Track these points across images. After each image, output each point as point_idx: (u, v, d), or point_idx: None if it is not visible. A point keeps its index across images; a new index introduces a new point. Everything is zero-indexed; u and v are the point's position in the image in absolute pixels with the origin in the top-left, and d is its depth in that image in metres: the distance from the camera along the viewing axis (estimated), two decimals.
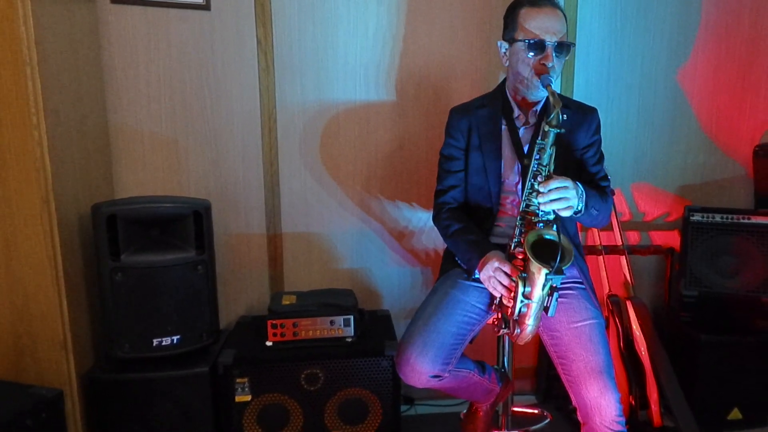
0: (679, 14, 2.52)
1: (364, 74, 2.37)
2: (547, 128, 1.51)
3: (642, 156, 2.61)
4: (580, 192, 1.56)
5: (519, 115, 1.78)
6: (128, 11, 2.16)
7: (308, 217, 2.44)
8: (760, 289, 2.35)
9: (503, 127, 1.78)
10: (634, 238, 2.68)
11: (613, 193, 1.92)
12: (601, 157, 1.83)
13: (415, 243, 2.53)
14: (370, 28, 2.34)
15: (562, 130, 1.52)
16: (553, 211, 1.54)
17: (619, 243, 2.40)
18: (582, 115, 1.79)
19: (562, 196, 1.50)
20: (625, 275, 2.39)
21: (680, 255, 2.49)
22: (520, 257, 1.60)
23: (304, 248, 2.46)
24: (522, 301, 1.54)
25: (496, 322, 1.67)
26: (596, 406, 1.56)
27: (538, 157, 1.55)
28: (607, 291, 2.34)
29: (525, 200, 1.60)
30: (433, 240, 2.53)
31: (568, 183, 1.52)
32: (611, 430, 1.55)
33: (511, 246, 1.64)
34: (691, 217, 2.44)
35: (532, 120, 1.77)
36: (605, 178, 1.81)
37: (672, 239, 2.66)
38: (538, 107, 1.76)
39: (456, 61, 2.41)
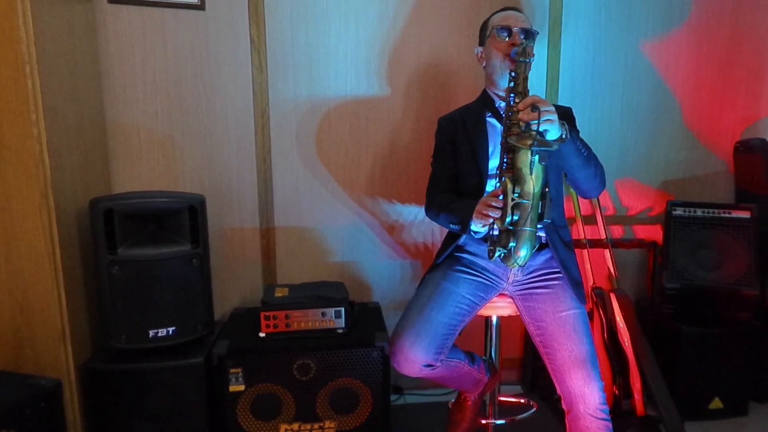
0: (661, 13, 2.57)
1: (355, 71, 2.41)
2: (515, 57, 1.64)
3: (626, 152, 2.66)
4: (560, 121, 1.52)
5: (501, 105, 1.85)
6: (125, 11, 2.20)
7: (301, 211, 2.47)
8: (740, 281, 2.38)
9: (488, 117, 1.86)
10: (617, 232, 2.72)
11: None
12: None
13: (405, 236, 2.57)
14: (362, 27, 2.38)
15: (530, 59, 1.60)
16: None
17: (603, 237, 2.44)
18: (558, 110, 1.83)
19: (542, 108, 1.45)
20: (609, 268, 2.42)
21: (663, 248, 2.53)
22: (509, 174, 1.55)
23: (296, 242, 2.49)
24: (513, 200, 1.49)
25: (491, 245, 1.58)
26: (580, 394, 1.59)
27: (513, 84, 1.63)
28: (592, 283, 2.38)
29: (506, 122, 1.61)
30: (422, 233, 2.57)
31: (547, 101, 1.50)
32: (595, 417, 1.58)
33: (499, 174, 1.62)
34: (674, 212, 2.49)
35: None
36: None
37: (655, 233, 2.71)
38: None
39: (446, 59, 2.45)
